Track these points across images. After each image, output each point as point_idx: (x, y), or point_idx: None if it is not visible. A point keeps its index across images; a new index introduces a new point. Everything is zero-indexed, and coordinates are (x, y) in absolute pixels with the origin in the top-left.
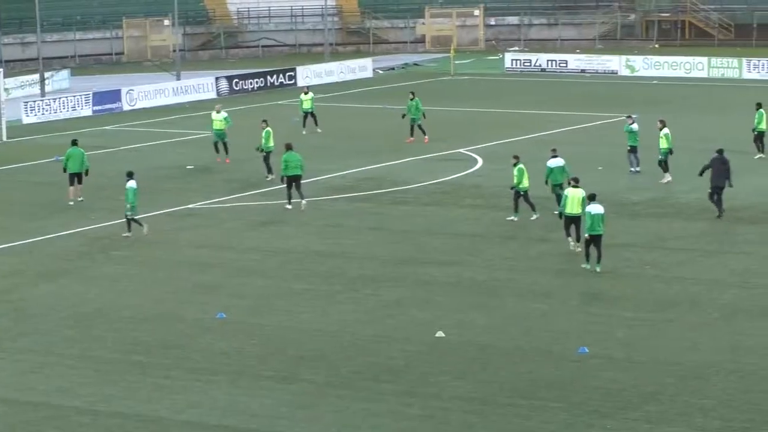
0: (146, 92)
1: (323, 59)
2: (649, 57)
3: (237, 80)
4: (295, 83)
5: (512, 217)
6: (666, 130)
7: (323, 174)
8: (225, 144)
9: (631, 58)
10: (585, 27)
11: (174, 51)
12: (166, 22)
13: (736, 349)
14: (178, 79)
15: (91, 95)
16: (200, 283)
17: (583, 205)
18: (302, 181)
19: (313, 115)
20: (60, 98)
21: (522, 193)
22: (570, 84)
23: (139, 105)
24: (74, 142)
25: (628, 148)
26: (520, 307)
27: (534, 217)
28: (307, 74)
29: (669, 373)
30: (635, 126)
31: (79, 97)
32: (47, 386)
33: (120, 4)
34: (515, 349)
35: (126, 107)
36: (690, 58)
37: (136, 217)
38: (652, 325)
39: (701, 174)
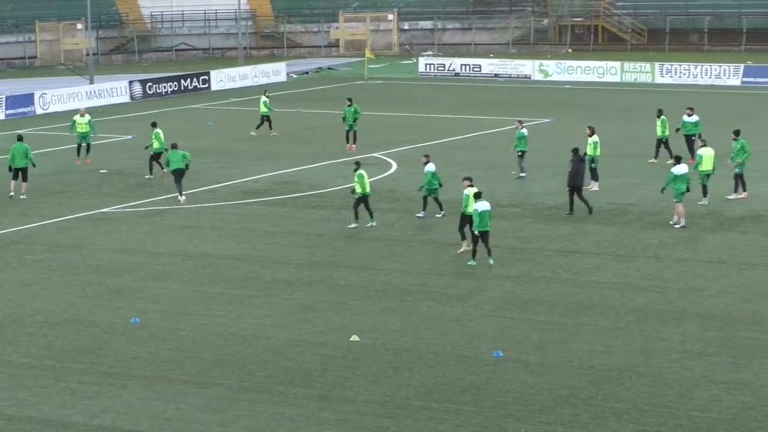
0: (59, 96)
1: (237, 63)
2: (562, 61)
3: (151, 84)
4: (209, 87)
5: (353, 224)
6: (595, 138)
7: (238, 178)
8: (88, 145)
9: (545, 62)
10: (498, 31)
11: (87, 55)
12: (79, 26)
13: (648, 352)
14: (92, 83)
15: (3, 99)
16: (114, 288)
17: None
18: (191, 182)
19: (268, 119)
20: None
21: (360, 197)
22: (483, 88)
23: (52, 109)
24: (20, 138)
25: (519, 153)
26: (435, 311)
27: (370, 223)
28: (221, 78)
29: (583, 376)
30: (525, 131)
31: None
32: None
33: (33, 8)
34: (430, 353)
35: (39, 111)
36: (603, 63)
37: None
38: (565, 329)
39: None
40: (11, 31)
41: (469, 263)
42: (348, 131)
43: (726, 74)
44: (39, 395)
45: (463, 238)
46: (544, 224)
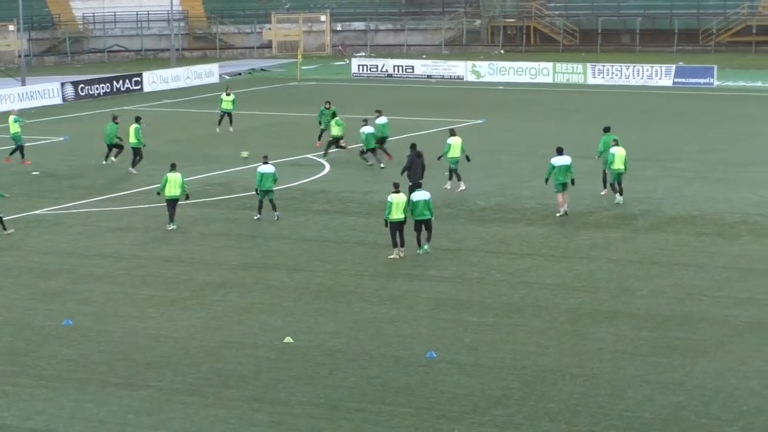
0: None
1: (170, 64)
2: (494, 62)
3: (83, 85)
4: (142, 89)
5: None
6: (457, 139)
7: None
8: (21, 147)
9: (477, 63)
10: (431, 33)
11: (19, 56)
12: (11, 27)
13: (581, 353)
14: (24, 84)
15: None
16: (46, 290)
17: (406, 210)
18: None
19: (230, 115)
20: None
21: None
22: (416, 89)
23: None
24: None
25: (364, 149)
26: (368, 312)
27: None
28: (154, 79)
29: (516, 377)
30: (383, 119)
31: None
32: None
33: None
34: (363, 354)
35: None
36: (535, 64)
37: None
38: (498, 330)
39: (403, 173)
40: None
41: (418, 252)
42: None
43: (658, 75)
44: None
45: (395, 245)
46: (477, 225)
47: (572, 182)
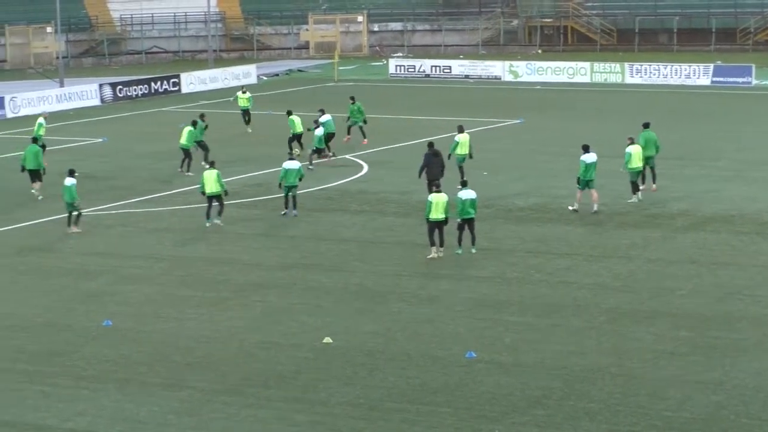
0: (29, 99)
1: (207, 66)
2: (532, 62)
3: (121, 87)
4: (180, 90)
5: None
6: (465, 136)
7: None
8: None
9: (515, 63)
10: (468, 33)
11: (57, 58)
12: (49, 29)
13: (621, 352)
14: (62, 86)
15: None
16: (87, 291)
17: (447, 210)
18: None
19: (247, 112)
20: None
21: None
22: (454, 90)
23: (23, 112)
24: (34, 140)
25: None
26: (407, 312)
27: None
28: (192, 81)
29: (555, 377)
30: (327, 116)
31: None
32: None
33: (2, 11)
34: (402, 355)
35: (9, 114)
36: (573, 64)
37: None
38: (538, 330)
39: (421, 172)
40: None
41: (455, 252)
42: (350, 126)
43: (696, 74)
44: (12, 399)
45: (432, 244)
46: (516, 225)
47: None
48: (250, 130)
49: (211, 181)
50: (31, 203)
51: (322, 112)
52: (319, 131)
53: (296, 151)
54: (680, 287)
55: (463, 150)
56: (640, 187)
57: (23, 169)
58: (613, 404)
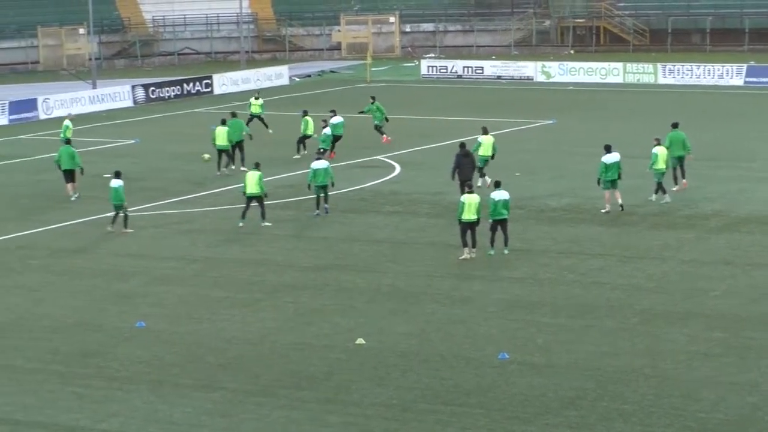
0: (62, 101)
1: (239, 67)
2: (564, 63)
3: (153, 88)
4: (212, 91)
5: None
6: (489, 138)
7: (242, 181)
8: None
9: (547, 64)
10: (500, 33)
11: (90, 59)
12: (82, 30)
13: (654, 353)
14: (94, 87)
15: (6, 104)
16: (119, 292)
17: (479, 211)
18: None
19: (261, 118)
20: None
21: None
22: (486, 90)
23: (56, 114)
24: (67, 142)
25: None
26: (440, 313)
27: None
28: (224, 82)
29: (589, 378)
30: (338, 119)
31: None
32: None
33: (34, 12)
34: (435, 356)
35: (42, 116)
36: (605, 64)
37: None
38: (571, 331)
39: (454, 174)
40: (13, 36)
41: (488, 253)
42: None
43: (729, 74)
44: (45, 400)
45: (465, 245)
46: (548, 226)
47: (619, 176)
48: (271, 131)
49: (252, 182)
50: (65, 204)
51: (334, 113)
52: (326, 131)
53: (302, 152)
54: (714, 288)
55: (485, 151)
56: (673, 188)
57: (59, 167)
58: (647, 405)
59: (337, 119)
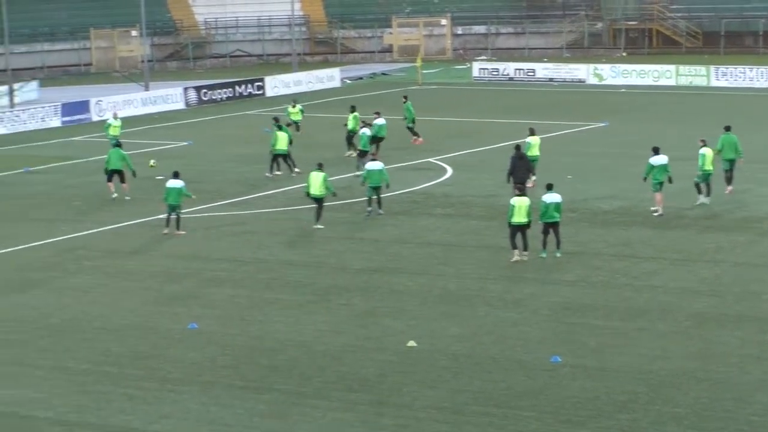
0: (115, 103)
1: (291, 69)
2: (616, 65)
3: (205, 90)
4: (264, 93)
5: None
6: (536, 138)
7: (294, 184)
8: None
9: (599, 66)
10: (552, 36)
11: (142, 62)
12: (134, 32)
13: (707, 357)
14: (147, 89)
15: (59, 106)
16: (172, 294)
17: (530, 214)
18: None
19: (296, 124)
20: (29, 109)
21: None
22: (538, 93)
23: (108, 116)
24: (117, 145)
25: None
26: (492, 316)
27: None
28: (276, 84)
29: (641, 381)
30: (382, 120)
31: (48, 108)
32: (19, 397)
33: (87, 15)
34: (487, 359)
35: (95, 118)
36: (658, 66)
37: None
38: (623, 334)
39: (509, 176)
40: (66, 38)
41: (540, 255)
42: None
43: None
44: (98, 401)
45: (514, 247)
46: (600, 229)
47: (669, 180)
48: (300, 132)
49: (317, 183)
50: (117, 206)
51: (378, 114)
52: (366, 132)
53: (350, 152)
54: (766, 291)
55: (533, 152)
56: (726, 191)
57: (106, 171)
58: (699, 409)
59: (380, 121)
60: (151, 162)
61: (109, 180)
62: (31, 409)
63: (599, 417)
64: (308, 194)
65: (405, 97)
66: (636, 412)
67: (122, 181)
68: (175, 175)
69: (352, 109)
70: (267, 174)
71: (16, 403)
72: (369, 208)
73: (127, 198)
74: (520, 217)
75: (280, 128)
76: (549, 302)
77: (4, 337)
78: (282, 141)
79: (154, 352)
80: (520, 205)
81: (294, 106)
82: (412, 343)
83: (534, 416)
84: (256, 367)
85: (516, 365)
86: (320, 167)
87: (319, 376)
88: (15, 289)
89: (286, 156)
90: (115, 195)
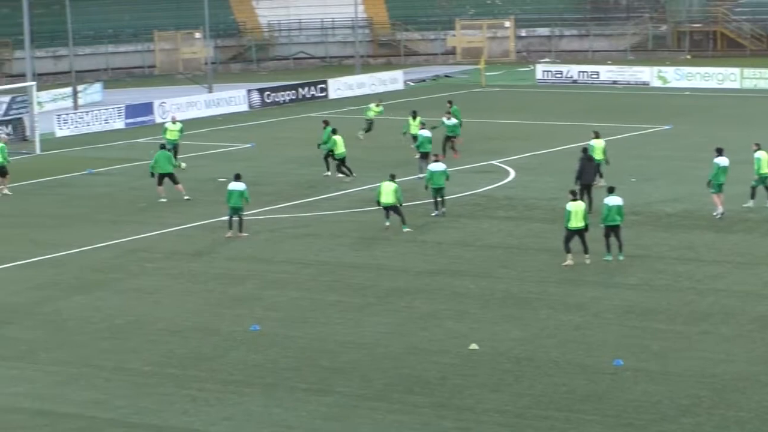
0: (179, 105)
1: (354, 71)
2: (681, 68)
3: (269, 92)
4: (327, 95)
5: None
6: (600, 141)
7: (356, 186)
8: (175, 151)
9: (663, 69)
10: (616, 38)
11: (205, 64)
12: (198, 34)
13: None
14: (210, 91)
15: (123, 108)
16: (234, 296)
17: (586, 217)
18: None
19: (371, 123)
20: (93, 111)
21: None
22: (602, 95)
23: (173, 116)
24: (162, 147)
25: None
26: (554, 319)
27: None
28: (339, 86)
29: (704, 385)
30: (428, 133)
31: (111, 109)
32: (82, 398)
33: (151, 17)
34: (550, 362)
35: (158, 120)
36: (722, 69)
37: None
38: (686, 337)
39: (577, 178)
40: (130, 40)
41: (604, 258)
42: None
43: None
44: (160, 403)
45: (568, 251)
46: (664, 232)
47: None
48: (362, 135)
49: (388, 191)
50: (181, 208)
51: (449, 114)
52: (425, 134)
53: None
54: None
55: (597, 155)
56: None
57: (152, 174)
58: (764, 413)
59: (452, 120)
60: (182, 164)
61: (159, 183)
62: (94, 410)
63: (662, 421)
64: (379, 203)
65: (450, 102)
66: (699, 416)
67: (175, 182)
68: (237, 178)
69: (414, 115)
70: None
71: (79, 404)
72: (436, 211)
73: (187, 198)
74: (577, 222)
75: (334, 131)
76: (611, 305)
77: (69, 338)
78: (341, 144)
79: (216, 353)
80: (576, 210)
81: (378, 105)
82: (474, 346)
83: (596, 420)
84: (317, 369)
85: (578, 369)
86: (392, 178)
87: (380, 379)
88: (79, 290)
89: (343, 160)
90: (164, 199)
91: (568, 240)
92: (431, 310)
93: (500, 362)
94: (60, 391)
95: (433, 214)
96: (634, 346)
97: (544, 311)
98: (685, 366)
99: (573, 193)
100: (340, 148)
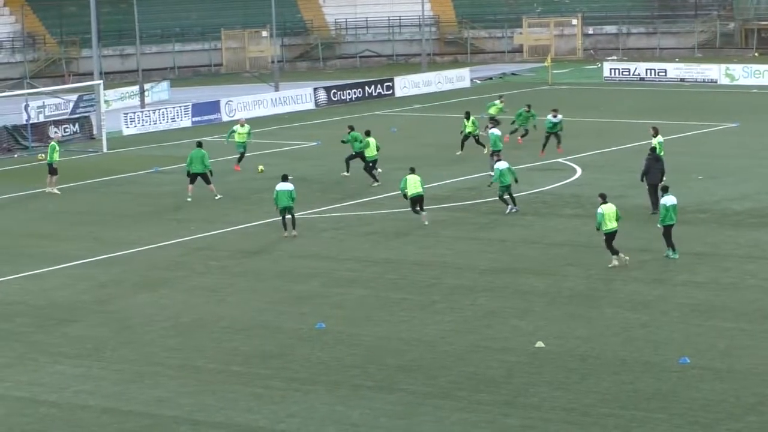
0: (245, 103)
1: (420, 69)
2: (749, 65)
3: (335, 91)
4: (393, 93)
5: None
6: (658, 138)
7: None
8: (242, 154)
9: (731, 66)
10: (684, 36)
11: (272, 62)
12: (264, 33)
13: None
14: (277, 90)
15: (190, 106)
16: (299, 293)
17: (618, 218)
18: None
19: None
20: (159, 109)
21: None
22: (669, 93)
23: (238, 116)
24: (199, 144)
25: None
26: (620, 317)
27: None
28: (405, 84)
29: None
30: (497, 131)
31: (178, 108)
32: (147, 396)
33: (218, 15)
34: (615, 360)
35: (225, 118)
36: None
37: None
38: (753, 336)
39: (643, 177)
40: (197, 39)
41: (669, 256)
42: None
43: None
44: (225, 400)
45: (614, 253)
46: (731, 230)
47: None
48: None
49: (416, 183)
50: (246, 206)
51: (555, 112)
52: (496, 132)
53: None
54: None
55: (660, 151)
56: None
57: (188, 173)
58: None
59: (557, 117)
60: (260, 167)
61: (192, 182)
62: (159, 408)
63: (728, 419)
64: (405, 195)
65: (528, 106)
66: (765, 415)
67: (207, 182)
68: (284, 178)
69: (467, 115)
70: (378, 173)
71: (144, 402)
72: (509, 207)
73: (218, 197)
74: (612, 224)
75: (367, 134)
76: (678, 303)
77: (134, 336)
78: (373, 147)
79: (281, 351)
80: (609, 212)
81: (502, 101)
82: (540, 344)
83: (662, 418)
84: (382, 367)
85: (644, 367)
86: (412, 171)
87: (445, 376)
88: (145, 288)
89: (375, 162)
90: (190, 198)
91: (609, 242)
92: (496, 308)
93: (566, 360)
94: (125, 389)
95: (508, 212)
96: (700, 344)
97: (610, 309)
98: (752, 364)
99: (602, 196)
100: (372, 151)
